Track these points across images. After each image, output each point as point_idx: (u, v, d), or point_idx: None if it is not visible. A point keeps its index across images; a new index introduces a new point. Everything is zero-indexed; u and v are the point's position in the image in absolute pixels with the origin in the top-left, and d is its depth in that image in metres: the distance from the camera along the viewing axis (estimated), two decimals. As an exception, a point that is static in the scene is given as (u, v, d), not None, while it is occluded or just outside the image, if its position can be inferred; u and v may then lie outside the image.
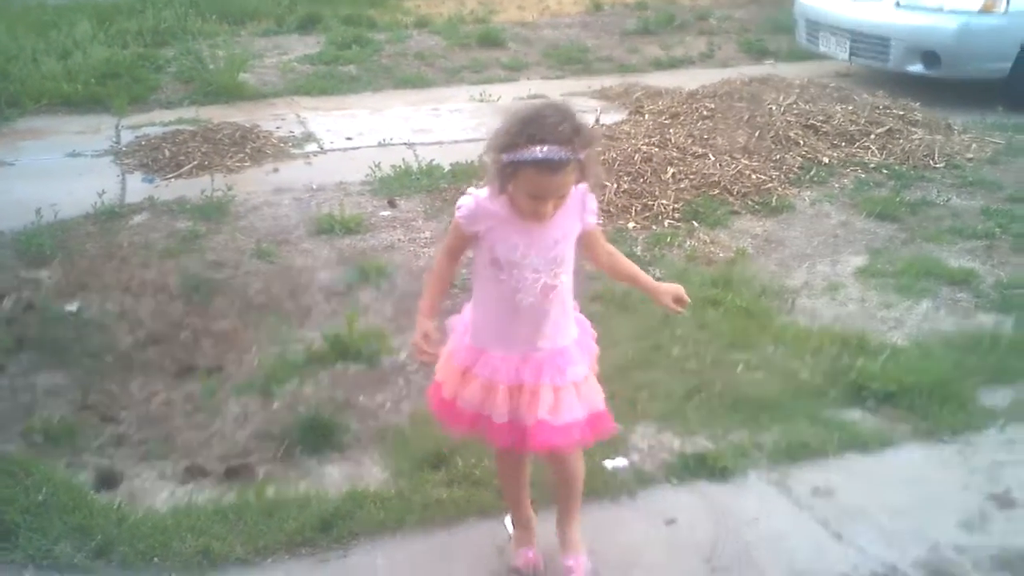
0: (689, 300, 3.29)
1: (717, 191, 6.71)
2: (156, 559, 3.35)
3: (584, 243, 3.08)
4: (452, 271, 3.21)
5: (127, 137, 8.25)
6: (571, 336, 3.08)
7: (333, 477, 3.87)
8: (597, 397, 3.09)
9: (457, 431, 3.16)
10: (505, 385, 2.97)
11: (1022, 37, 8.83)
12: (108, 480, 3.83)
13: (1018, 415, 4.26)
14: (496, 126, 2.84)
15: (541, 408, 2.95)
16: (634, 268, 3.31)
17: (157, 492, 3.79)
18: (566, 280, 3.01)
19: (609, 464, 3.86)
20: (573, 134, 2.73)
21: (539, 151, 2.68)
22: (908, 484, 3.80)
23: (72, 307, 5.16)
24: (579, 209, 2.99)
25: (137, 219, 6.43)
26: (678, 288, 3.25)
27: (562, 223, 2.94)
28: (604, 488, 3.72)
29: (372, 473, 3.89)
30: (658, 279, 5.38)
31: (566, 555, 3.30)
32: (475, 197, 2.96)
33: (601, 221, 3.13)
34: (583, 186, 2.94)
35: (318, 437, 4.06)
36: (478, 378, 3.00)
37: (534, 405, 2.96)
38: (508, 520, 3.42)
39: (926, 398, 4.29)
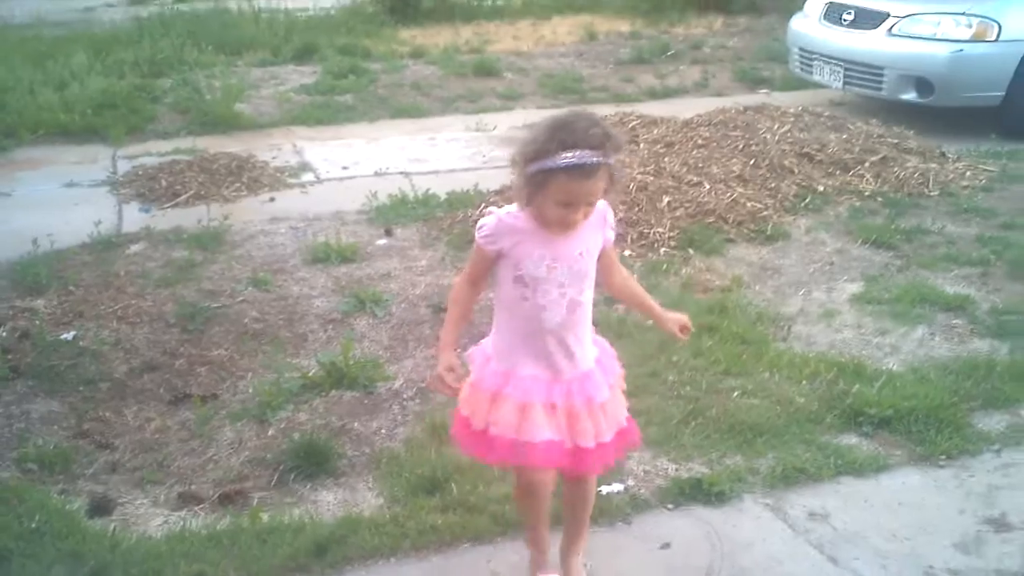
0: (692, 328, 3.30)
1: (712, 219, 6.72)
2: (150, 585, 3.34)
3: (601, 261, 3.05)
4: (474, 299, 3.15)
5: (124, 167, 8.27)
6: (593, 357, 3.07)
7: (327, 503, 3.87)
8: (621, 413, 3.11)
9: (494, 461, 3.09)
10: (540, 403, 2.93)
11: (1014, 65, 8.86)
12: (102, 507, 3.82)
13: (1013, 440, 4.27)
14: (523, 137, 2.84)
15: (585, 433, 2.95)
16: (645, 293, 3.33)
17: (151, 518, 3.79)
18: (590, 297, 3.00)
19: (605, 489, 3.85)
20: (604, 139, 2.74)
21: (573, 156, 2.68)
22: (904, 508, 3.80)
23: (68, 335, 5.16)
24: (601, 223, 2.98)
25: (133, 248, 6.44)
26: (683, 317, 3.26)
27: (585, 236, 2.93)
28: (600, 513, 3.69)
29: (367, 499, 3.88)
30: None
31: None
32: (496, 215, 2.94)
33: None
34: (603, 202, 2.94)
35: (312, 463, 4.06)
36: (510, 399, 2.94)
37: (573, 428, 2.95)
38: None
39: (922, 423, 4.30)
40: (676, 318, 3.25)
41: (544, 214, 2.83)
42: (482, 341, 3.18)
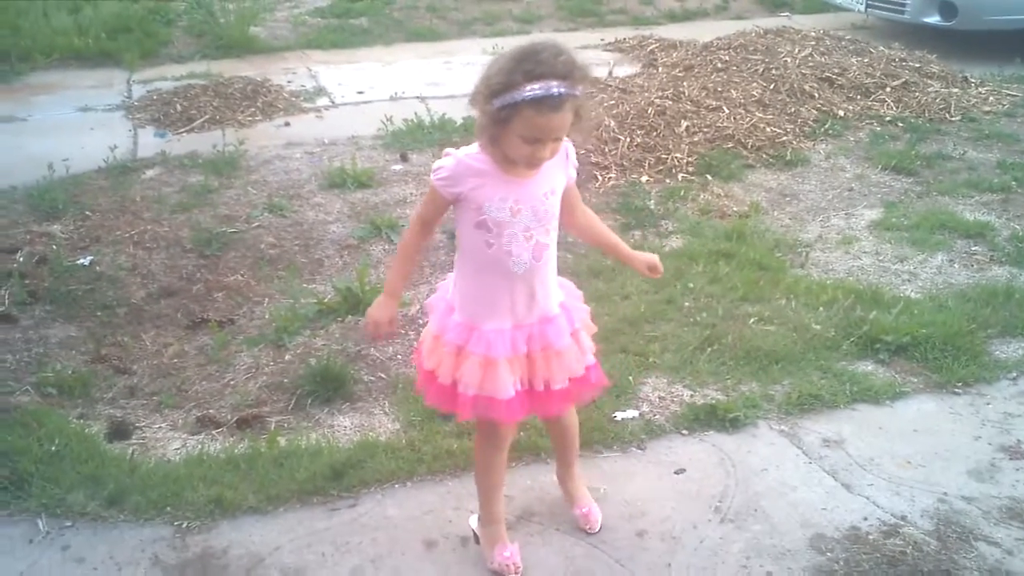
0: (663, 271, 3.19)
1: (731, 144, 6.67)
2: (168, 508, 3.37)
3: (564, 200, 2.91)
4: (424, 243, 3.07)
5: (138, 92, 8.24)
6: (558, 300, 2.97)
7: (344, 427, 3.89)
8: (587, 357, 3.02)
9: (462, 415, 2.95)
10: (505, 358, 2.85)
11: (1041, -13, 8.71)
12: (121, 431, 3.85)
13: (1031, 367, 4.25)
14: (483, 72, 2.64)
15: (540, 378, 2.91)
16: (610, 232, 3.20)
17: (169, 442, 3.82)
18: (555, 239, 2.89)
19: (619, 415, 3.87)
20: (571, 67, 2.57)
21: (539, 87, 2.51)
22: (919, 435, 3.80)
23: (85, 261, 5.17)
24: (564, 161, 2.86)
25: (149, 173, 6.43)
26: (653, 258, 3.14)
27: (550, 176, 2.82)
28: (614, 439, 3.73)
29: (383, 424, 3.90)
30: (671, 233, 5.42)
31: (579, 504, 3.32)
32: (455, 156, 2.77)
33: (577, 175, 2.98)
34: (569, 142, 2.83)
35: (329, 388, 4.07)
36: (473, 355, 2.84)
37: (535, 373, 2.90)
38: (474, 520, 3.27)
39: (939, 350, 4.29)
40: (645, 258, 3.14)
41: (510, 153, 2.67)
42: (440, 285, 3.09)
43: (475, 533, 3.23)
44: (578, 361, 2.98)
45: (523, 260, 2.81)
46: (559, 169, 2.85)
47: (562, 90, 2.54)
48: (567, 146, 2.84)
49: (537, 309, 2.90)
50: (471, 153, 2.77)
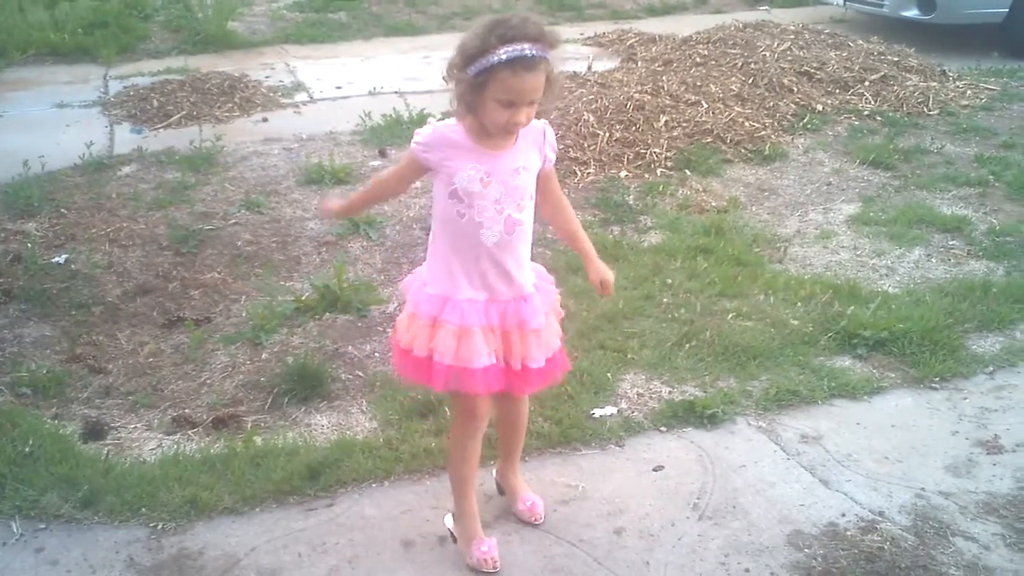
0: (613, 295, 3.28)
1: (710, 139, 6.67)
2: (143, 509, 3.34)
3: (539, 184, 2.95)
4: (393, 190, 3.21)
5: (115, 87, 8.19)
6: (531, 281, 2.99)
7: (321, 426, 3.87)
8: (554, 340, 3.04)
9: (438, 388, 2.95)
10: (479, 327, 2.88)
11: (1019, -19, 8.74)
12: (96, 431, 3.82)
13: (1007, 362, 4.27)
14: (457, 44, 2.73)
15: (515, 356, 2.92)
16: (579, 227, 3.17)
17: (145, 442, 3.79)
18: (529, 218, 2.91)
19: (597, 412, 3.86)
20: (541, 31, 2.67)
21: (513, 48, 2.61)
22: (896, 430, 3.81)
23: (60, 259, 5.13)
24: (539, 141, 2.90)
25: (125, 170, 6.39)
26: (608, 276, 3.09)
27: (523, 152, 2.85)
28: (592, 436, 3.72)
29: (360, 422, 3.89)
30: (649, 228, 5.41)
31: (522, 499, 3.32)
32: (434, 125, 2.87)
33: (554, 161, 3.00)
34: (543, 121, 2.88)
35: (306, 387, 4.05)
36: (448, 324, 2.87)
37: (508, 350, 2.92)
38: (449, 519, 3.24)
39: (916, 345, 4.30)
40: (600, 272, 3.09)
41: (486, 120, 2.73)
42: (416, 270, 3.11)
43: (451, 533, 3.21)
44: (553, 340, 3.03)
45: (494, 232, 2.84)
46: (533, 148, 2.89)
47: (535, 51, 2.63)
48: (545, 128, 2.91)
49: (512, 286, 2.92)
50: (449, 124, 2.84)
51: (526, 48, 2.62)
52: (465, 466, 3.13)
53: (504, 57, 2.61)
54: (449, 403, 3.82)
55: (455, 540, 3.19)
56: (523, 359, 2.94)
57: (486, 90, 2.67)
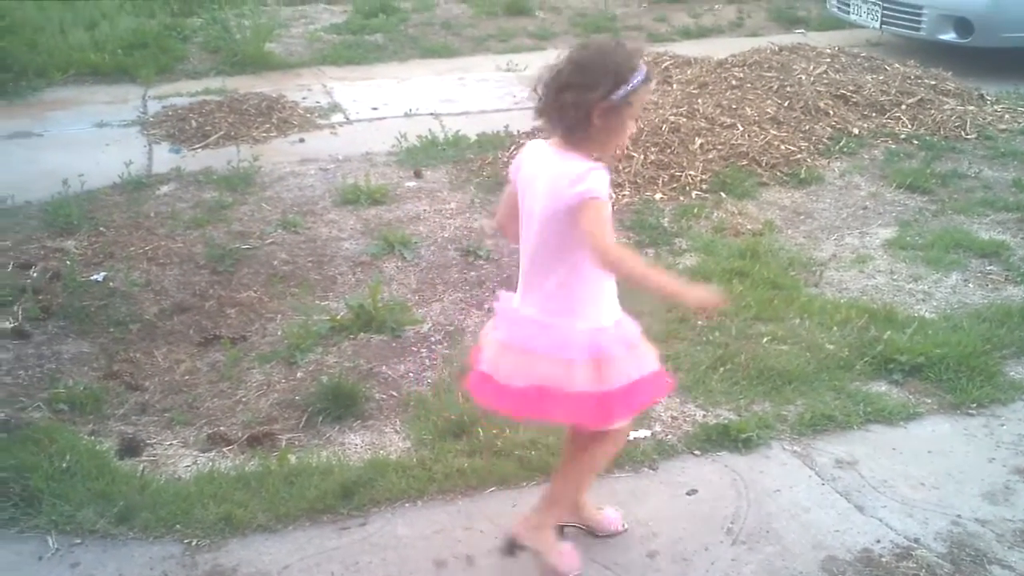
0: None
1: (745, 162, 6.65)
2: (178, 525, 3.37)
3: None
4: None
5: (154, 107, 8.27)
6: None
7: (355, 446, 3.88)
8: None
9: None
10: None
11: (1058, 5, 8.69)
12: (132, 447, 3.85)
13: (1046, 388, 4.22)
14: (577, 83, 2.75)
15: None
16: None
17: (180, 459, 3.81)
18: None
19: (632, 435, 3.84)
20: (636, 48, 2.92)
21: (641, 68, 2.80)
22: (932, 457, 3.77)
23: (98, 276, 5.18)
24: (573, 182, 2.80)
25: (164, 189, 6.45)
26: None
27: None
28: (627, 459, 3.71)
29: (394, 442, 3.90)
30: (684, 251, 5.40)
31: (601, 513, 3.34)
32: (601, 173, 2.78)
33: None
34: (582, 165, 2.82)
35: (341, 406, 4.07)
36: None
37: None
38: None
39: (953, 371, 4.26)
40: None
41: (622, 137, 2.89)
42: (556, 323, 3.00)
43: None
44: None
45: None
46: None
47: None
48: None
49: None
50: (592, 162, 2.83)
51: (643, 63, 2.83)
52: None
53: (643, 75, 2.80)
54: (482, 424, 3.84)
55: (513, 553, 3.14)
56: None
57: (631, 108, 2.82)
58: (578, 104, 2.76)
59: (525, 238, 2.94)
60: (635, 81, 2.77)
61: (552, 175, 2.83)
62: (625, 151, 6.50)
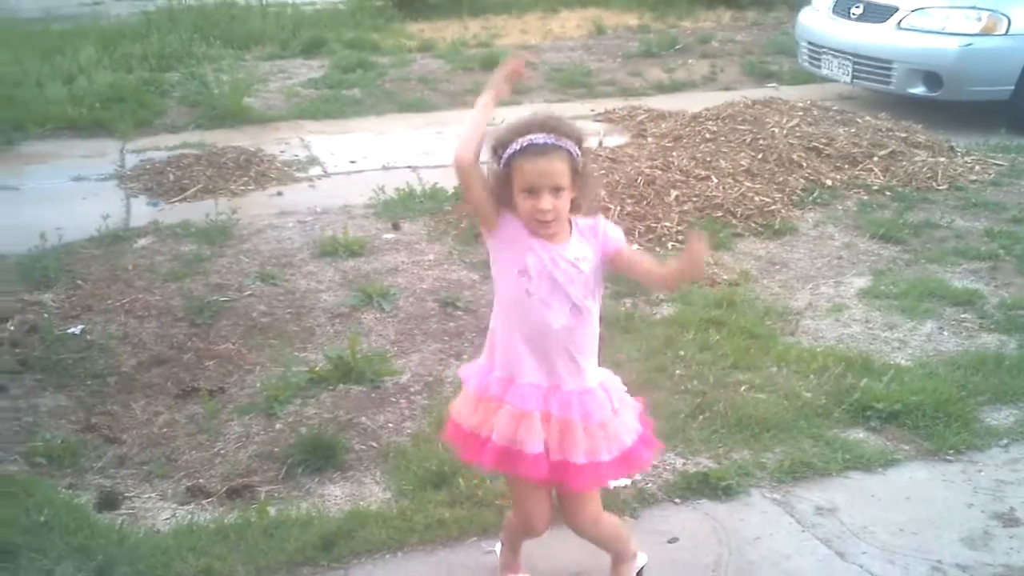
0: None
1: (720, 213, 6.71)
2: (157, 579, 3.34)
3: (621, 267, 3.05)
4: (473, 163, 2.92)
5: (132, 161, 8.28)
6: (597, 378, 3.01)
7: (335, 497, 3.87)
8: (625, 436, 3.00)
9: (488, 466, 3.02)
10: (538, 412, 2.90)
11: (1024, 59, 8.84)
12: (110, 501, 3.83)
13: (1022, 434, 4.26)
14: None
15: (578, 449, 2.90)
16: (658, 266, 3.19)
17: (159, 512, 3.79)
18: (594, 310, 2.97)
19: (612, 484, 3.83)
20: (558, 125, 2.88)
21: (526, 138, 2.82)
22: (911, 503, 3.80)
23: (76, 329, 5.17)
24: (592, 235, 2.95)
25: (141, 242, 6.45)
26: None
27: (576, 246, 2.92)
28: (607, 507, 3.68)
29: (374, 493, 3.89)
30: (661, 301, 5.45)
31: None
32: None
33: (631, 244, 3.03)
34: (600, 217, 2.98)
35: (320, 457, 4.06)
36: (507, 406, 2.92)
37: (566, 443, 2.90)
38: (497, 546, 3.37)
39: (930, 418, 4.30)
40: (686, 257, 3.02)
41: (519, 212, 2.87)
42: (477, 361, 3.14)
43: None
44: (625, 436, 3.00)
45: (560, 315, 2.89)
46: (588, 241, 2.95)
47: (547, 139, 2.83)
48: (597, 220, 2.99)
49: (575, 374, 2.95)
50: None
51: (539, 136, 2.82)
52: (520, 541, 3.29)
53: (518, 147, 2.82)
54: (463, 474, 3.84)
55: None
56: (588, 453, 2.92)
57: (513, 182, 2.85)
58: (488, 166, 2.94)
59: None
60: (509, 152, 2.84)
61: None
62: (601, 203, 6.55)
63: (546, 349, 2.92)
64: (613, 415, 2.99)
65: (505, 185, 2.87)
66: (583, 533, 3.19)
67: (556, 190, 2.82)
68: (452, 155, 2.90)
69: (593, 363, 3.01)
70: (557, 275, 2.88)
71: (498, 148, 2.88)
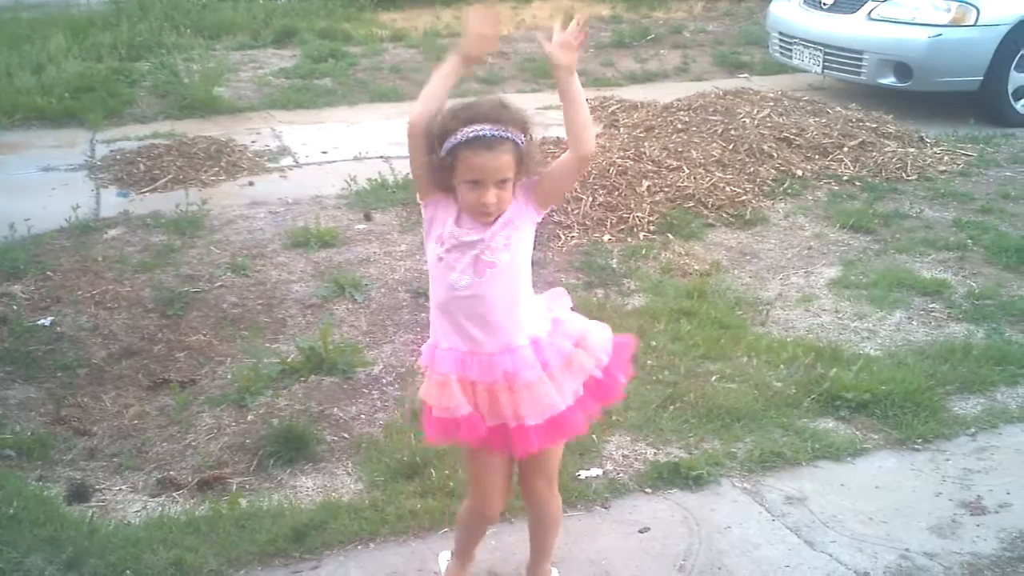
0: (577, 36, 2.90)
1: (692, 204, 6.74)
2: (128, 572, 3.33)
3: (550, 186, 2.90)
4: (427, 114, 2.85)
5: (102, 151, 8.22)
6: (529, 333, 2.87)
7: (307, 488, 3.87)
8: (557, 398, 2.86)
9: (428, 436, 2.97)
10: (455, 376, 2.83)
11: (992, 49, 8.88)
12: (80, 493, 3.81)
13: (989, 423, 4.31)
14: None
15: (506, 412, 2.82)
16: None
17: (130, 504, 3.78)
18: (509, 262, 2.82)
19: (583, 474, 3.87)
20: (504, 113, 2.77)
21: (472, 129, 2.71)
22: (880, 492, 3.83)
23: (46, 321, 5.14)
24: (521, 196, 2.85)
25: (112, 233, 6.41)
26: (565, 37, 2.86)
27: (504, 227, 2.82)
28: (578, 498, 3.73)
29: (346, 484, 3.89)
30: (633, 291, 5.46)
31: None
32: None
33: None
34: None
35: (292, 449, 4.06)
36: (434, 375, 2.88)
37: (496, 406, 2.83)
38: (444, 557, 3.33)
39: (899, 407, 4.34)
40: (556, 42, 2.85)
41: (460, 200, 2.81)
42: None
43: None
44: (555, 397, 2.86)
45: (464, 278, 2.81)
46: (517, 206, 2.86)
47: (495, 132, 2.72)
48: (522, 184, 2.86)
49: (492, 335, 2.84)
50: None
51: (485, 129, 2.71)
52: (472, 537, 3.22)
53: (463, 138, 2.71)
54: (434, 464, 3.85)
55: None
56: (515, 417, 2.83)
57: (455, 171, 2.76)
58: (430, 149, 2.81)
59: None
60: (452, 141, 2.72)
61: None
62: (573, 193, 6.56)
63: (454, 311, 2.84)
64: (547, 372, 2.86)
65: (447, 172, 2.77)
66: (537, 493, 3.09)
67: (502, 182, 2.76)
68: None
69: (520, 318, 2.87)
70: (463, 236, 2.81)
71: (441, 135, 2.75)
